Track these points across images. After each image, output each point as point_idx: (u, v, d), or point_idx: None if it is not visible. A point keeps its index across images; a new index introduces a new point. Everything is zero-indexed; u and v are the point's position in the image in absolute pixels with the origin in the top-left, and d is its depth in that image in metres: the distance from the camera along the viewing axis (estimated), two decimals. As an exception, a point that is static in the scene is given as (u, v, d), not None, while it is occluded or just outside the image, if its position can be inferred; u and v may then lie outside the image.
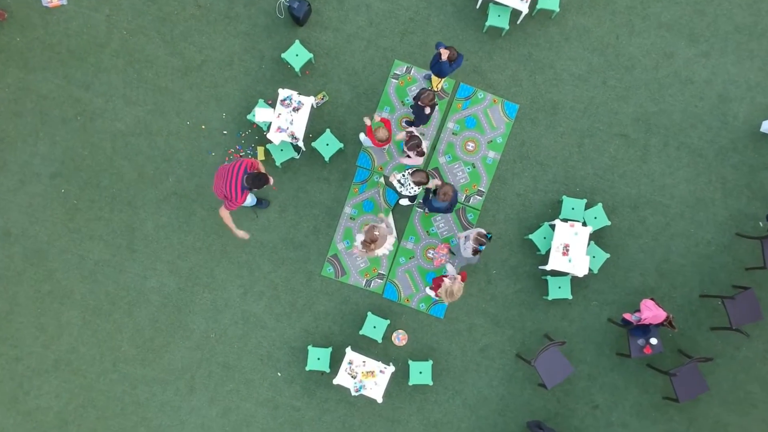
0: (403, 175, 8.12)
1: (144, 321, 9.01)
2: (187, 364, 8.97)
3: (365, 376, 8.39)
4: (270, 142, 8.87)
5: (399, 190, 8.22)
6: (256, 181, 7.62)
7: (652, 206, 9.12)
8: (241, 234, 8.11)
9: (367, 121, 8.34)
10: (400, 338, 8.84)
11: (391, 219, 8.91)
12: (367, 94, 9.18)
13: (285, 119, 8.62)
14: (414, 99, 8.41)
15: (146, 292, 9.01)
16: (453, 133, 9.14)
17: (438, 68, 8.19)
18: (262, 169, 7.92)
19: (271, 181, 7.78)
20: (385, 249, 8.07)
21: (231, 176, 7.68)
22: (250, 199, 8.40)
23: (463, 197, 9.09)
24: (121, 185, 9.07)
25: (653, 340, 8.45)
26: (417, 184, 8.03)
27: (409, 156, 8.42)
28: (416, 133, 8.26)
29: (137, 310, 9.01)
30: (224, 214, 7.85)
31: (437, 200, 8.12)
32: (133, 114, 9.13)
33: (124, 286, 9.02)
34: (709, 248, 9.10)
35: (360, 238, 8.01)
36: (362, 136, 8.86)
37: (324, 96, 9.12)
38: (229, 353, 8.97)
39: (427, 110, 8.28)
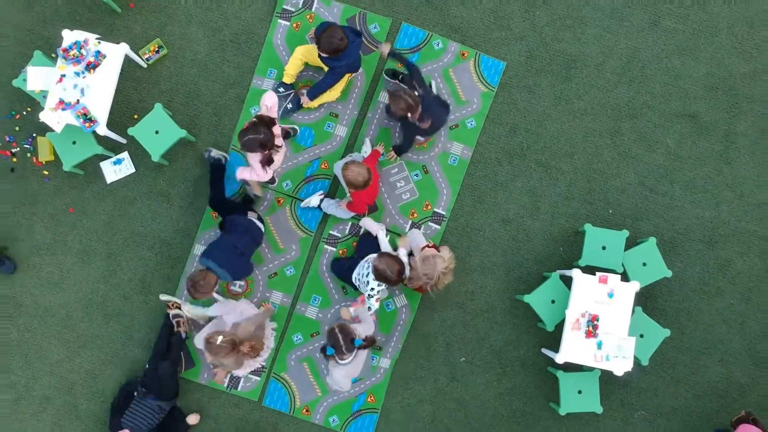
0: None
1: None
2: None
3: None
4: (51, 128, 4.86)
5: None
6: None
7: (739, 241, 5.16)
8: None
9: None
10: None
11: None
12: (237, 44, 5.19)
13: (73, 85, 4.63)
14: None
15: None
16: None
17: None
18: None
19: None
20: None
21: None
22: None
23: (408, 225, 5.11)
24: None
25: (758, 499, 4.50)
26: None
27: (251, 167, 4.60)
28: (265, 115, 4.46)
29: None
30: None
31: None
32: None
33: None
34: (842, 315, 5.15)
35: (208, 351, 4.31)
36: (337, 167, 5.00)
37: (159, 47, 5.14)
38: None
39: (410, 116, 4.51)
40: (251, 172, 4.63)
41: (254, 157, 4.53)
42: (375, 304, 4.63)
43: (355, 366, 4.49)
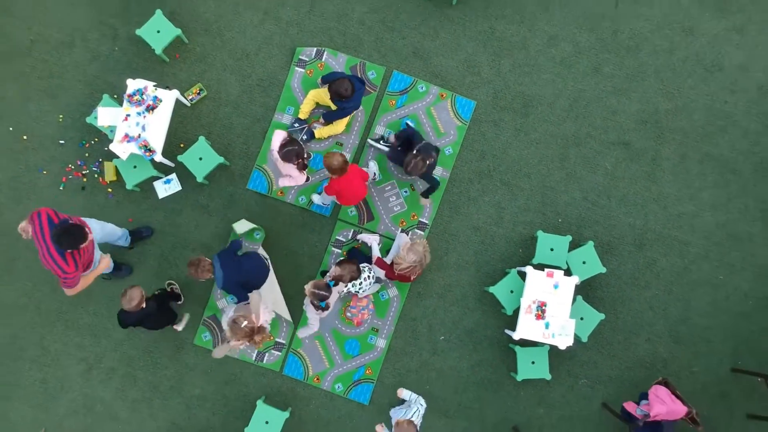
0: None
1: (-53, 410, 6.35)
2: (7, 472, 6.33)
3: (248, 499, 5.74)
4: (117, 155, 6.18)
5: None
6: (67, 237, 4.98)
7: (663, 244, 6.46)
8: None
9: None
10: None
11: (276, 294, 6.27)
12: (262, 87, 6.51)
13: (135, 123, 5.95)
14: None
15: (-51, 369, 6.36)
16: (383, 140, 6.46)
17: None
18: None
19: (90, 235, 5.12)
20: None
21: (39, 239, 5.07)
22: (102, 264, 5.73)
23: (398, 232, 6.42)
24: None
25: (668, 444, 5.81)
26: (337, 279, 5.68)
27: (289, 175, 5.86)
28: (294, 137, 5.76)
29: (-63, 394, 6.36)
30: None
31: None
32: (-67, 116, 6.47)
33: None
34: (745, 303, 6.45)
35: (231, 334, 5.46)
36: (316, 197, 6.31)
37: (200, 90, 6.46)
38: (65, 456, 6.32)
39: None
40: (290, 179, 5.88)
41: (291, 167, 5.76)
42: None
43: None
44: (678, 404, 5.63)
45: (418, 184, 6.41)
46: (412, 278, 6.04)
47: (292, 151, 5.66)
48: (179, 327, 6.22)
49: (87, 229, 5.09)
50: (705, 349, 6.44)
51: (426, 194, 6.26)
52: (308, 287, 5.62)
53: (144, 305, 5.51)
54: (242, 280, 5.72)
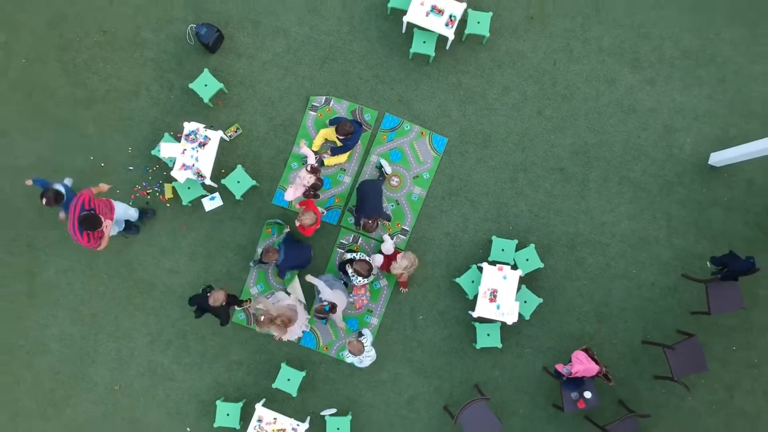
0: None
1: (44, 372, 8.36)
2: (90, 419, 8.33)
3: (276, 435, 7.75)
4: (176, 179, 8.21)
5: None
6: (88, 222, 6.97)
7: (590, 246, 8.48)
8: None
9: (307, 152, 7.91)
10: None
11: (297, 285, 8.31)
12: (284, 126, 8.54)
13: (190, 155, 7.97)
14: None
15: (46, 340, 8.37)
16: (377, 167, 8.49)
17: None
18: (104, 189, 7.44)
19: (106, 223, 7.11)
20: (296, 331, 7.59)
21: (71, 215, 7.03)
22: (115, 227, 7.74)
23: (386, 236, 8.44)
24: (20, 227, 8.42)
25: (587, 394, 7.82)
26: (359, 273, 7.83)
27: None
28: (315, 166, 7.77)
29: (37, 360, 8.37)
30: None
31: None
32: (33, 149, 8.49)
33: (23, 334, 8.38)
34: (652, 291, 8.46)
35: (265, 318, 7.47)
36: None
37: (237, 128, 8.48)
38: (134, 407, 8.33)
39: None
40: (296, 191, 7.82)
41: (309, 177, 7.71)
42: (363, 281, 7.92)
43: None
44: (592, 364, 7.63)
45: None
46: (404, 282, 8.02)
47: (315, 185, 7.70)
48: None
49: (103, 221, 7.03)
50: (621, 326, 8.45)
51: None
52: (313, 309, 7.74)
53: (224, 303, 7.51)
54: (296, 263, 7.80)
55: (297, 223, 7.67)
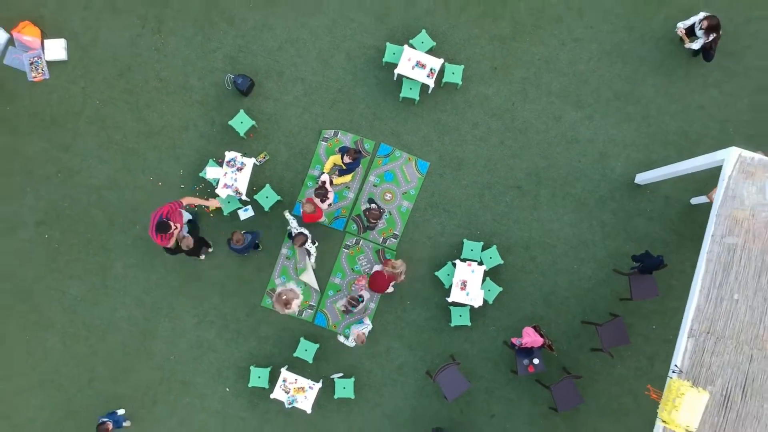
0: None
1: (115, 346, 10.74)
2: (150, 382, 10.71)
3: (296, 392, 10.13)
4: (219, 195, 10.59)
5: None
6: (159, 228, 9.32)
7: (541, 247, 10.85)
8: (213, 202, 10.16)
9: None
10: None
11: (311, 274, 10.65)
12: (302, 153, 10.92)
13: (230, 177, 10.35)
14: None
15: (116, 321, 10.74)
16: (374, 185, 10.87)
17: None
18: (196, 201, 9.88)
19: (173, 231, 9.42)
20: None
21: (151, 220, 9.37)
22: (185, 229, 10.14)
23: (381, 239, 10.82)
24: (95, 232, 10.81)
25: (535, 361, 10.18)
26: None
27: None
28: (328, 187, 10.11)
29: (109, 336, 10.75)
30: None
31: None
32: (105, 171, 10.87)
33: (98, 316, 10.75)
34: (589, 282, 10.83)
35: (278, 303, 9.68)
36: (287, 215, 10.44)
37: (265, 155, 10.85)
38: (185, 372, 10.71)
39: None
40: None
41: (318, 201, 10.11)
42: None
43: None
44: (538, 337, 9.98)
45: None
46: (394, 281, 10.36)
47: (322, 192, 10.08)
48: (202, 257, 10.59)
49: (173, 226, 9.33)
50: (565, 309, 10.81)
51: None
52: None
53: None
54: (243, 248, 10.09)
55: (301, 210, 9.95)
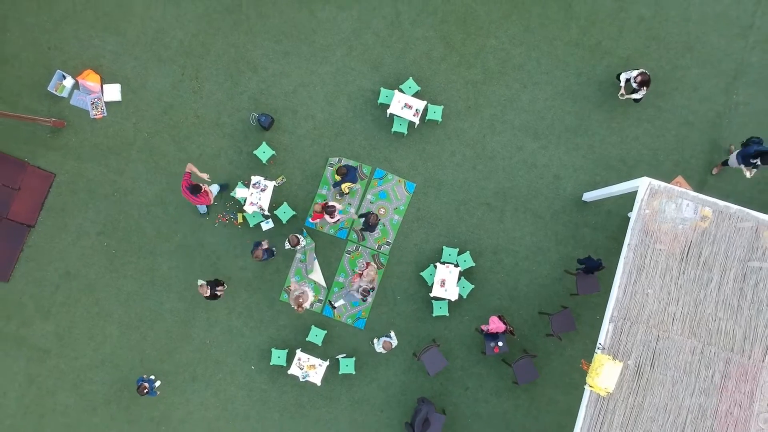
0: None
1: (161, 332, 13.28)
2: (190, 361, 13.24)
3: (309, 368, 12.67)
4: (246, 211, 13.14)
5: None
6: (192, 190, 11.72)
7: (506, 252, 13.40)
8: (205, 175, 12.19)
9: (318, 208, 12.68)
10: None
11: (318, 274, 13.18)
12: (312, 177, 13.46)
13: (255, 196, 12.89)
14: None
15: (162, 312, 13.28)
16: (371, 202, 13.41)
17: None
18: (195, 171, 11.97)
19: (205, 191, 11.93)
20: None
21: (183, 184, 11.83)
22: (215, 188, 12.61)
23: (376, 246, 13.37)
24: (145, 240, 13.35)
25: (500, 343, 12.72)
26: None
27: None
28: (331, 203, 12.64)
29: (157, 325, 13.28)
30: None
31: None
32: (153, 191, 13.40)
33: (148, 308, 13.29)
34: (545, 280, 13.38)
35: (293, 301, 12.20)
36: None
37: (283, 178, 13.39)
38: (219, 353, 13.25)
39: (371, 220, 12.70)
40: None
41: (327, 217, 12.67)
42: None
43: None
44: (502, 324, 12.53)
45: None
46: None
47: (331, 207, 12.62)
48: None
49: (204, 190, 11.86)
50: (525, 303, 13.35)
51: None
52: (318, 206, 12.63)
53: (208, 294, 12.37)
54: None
55: (313, 208, 12.47)
